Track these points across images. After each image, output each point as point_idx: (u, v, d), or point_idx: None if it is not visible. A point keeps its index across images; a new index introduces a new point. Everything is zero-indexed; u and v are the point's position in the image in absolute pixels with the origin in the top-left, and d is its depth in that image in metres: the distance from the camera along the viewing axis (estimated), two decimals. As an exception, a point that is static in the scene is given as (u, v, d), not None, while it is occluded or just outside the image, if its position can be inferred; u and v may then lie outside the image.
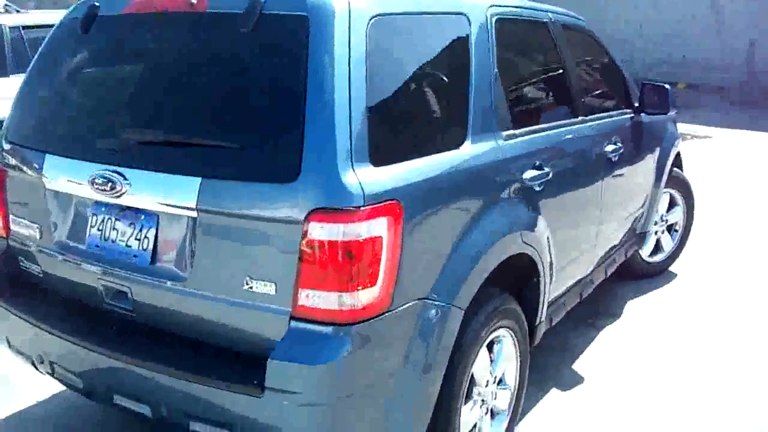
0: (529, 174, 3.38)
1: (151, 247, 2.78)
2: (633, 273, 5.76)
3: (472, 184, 3.02)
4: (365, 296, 2.47)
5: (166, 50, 2.92)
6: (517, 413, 3.57)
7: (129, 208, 2.83)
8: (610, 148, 4.36)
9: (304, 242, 2.44)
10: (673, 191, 5.88)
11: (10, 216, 3.30)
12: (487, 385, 3.26)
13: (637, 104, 4.95)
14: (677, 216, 6.00)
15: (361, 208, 2.43)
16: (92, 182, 2.82)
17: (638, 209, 5.15)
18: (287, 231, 2.47)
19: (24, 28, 7.72)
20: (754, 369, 4.43)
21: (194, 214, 2.62)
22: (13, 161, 3.25)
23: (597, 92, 4.64)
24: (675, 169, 5.75)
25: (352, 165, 2.46)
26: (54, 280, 3.17)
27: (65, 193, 3.02)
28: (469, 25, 3.23)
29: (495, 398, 3.37)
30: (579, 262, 4.25)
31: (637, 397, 4.10)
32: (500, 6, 3.53)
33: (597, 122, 4.32)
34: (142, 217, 2.81)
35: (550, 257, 3.62)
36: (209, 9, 2.78)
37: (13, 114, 3.34)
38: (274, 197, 2.47)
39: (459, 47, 3.17)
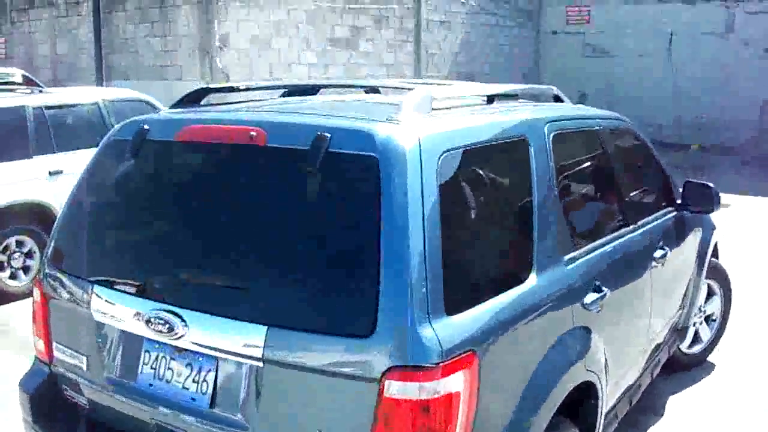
0: (590, 298, 3.28)
1: (210, 391, 2.66)
2: (671, 366, 5.62)
3: (539, 319, 2.91)
4: None
5: (225, 184, 2.82)
6: None
7: (186, 349, 2.72)
8: (658, 254, 4.26)
9: (379, 400, 2.32)
10: (711, 281, 5.76)
11: (54, 343, 3.18)
12: None
13: (679, 201, 4.86)
14: (715, 306, 5.88)
15: (440, 365, 2.32)
16: (147, 322, 2.72)
17: (681, 305, 5.03)
18: (361, 386, 2.36)
19: (47, 108, 7.67)
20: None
21: (259, 363, 2.51)
22: (57, 288, 3.14)
23: (644, 194, 4.55)
24: (712, 258, 5.65)
25: (429, 318, 2.36)
26: (101, 412, 3.04)
27: (115, 328, 2.91)
28: (530, 146, 3.15)
29: None
30: (630, 371, 4.12)
31: None
32: (556, 120, 3.46)
33: (646, 227, 4.23)
34: (201, 359, 2.69)
35: (607, 375, 3.50)
36: (269, 143, 2.69)
37: (57, 238, 3.24)
38: (348, 352, 2.37)
39: (521, 172, 3.09)
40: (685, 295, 5.10)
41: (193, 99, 3.40)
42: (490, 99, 3.38)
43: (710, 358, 5.87)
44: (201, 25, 11.87)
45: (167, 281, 2.81)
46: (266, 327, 2.48)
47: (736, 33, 16.81)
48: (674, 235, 4.70)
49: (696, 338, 5.79)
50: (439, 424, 2.34)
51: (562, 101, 4.05)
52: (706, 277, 5.62)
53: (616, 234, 3.83)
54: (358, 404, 2.38)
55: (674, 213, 4.80)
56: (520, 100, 3.82)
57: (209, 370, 2.67)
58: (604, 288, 3.39)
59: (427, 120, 2.75)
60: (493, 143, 2.95)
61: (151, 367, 2.82)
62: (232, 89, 3.57)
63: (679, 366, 5.66)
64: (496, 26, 18.18)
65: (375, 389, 2.33)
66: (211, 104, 3.47)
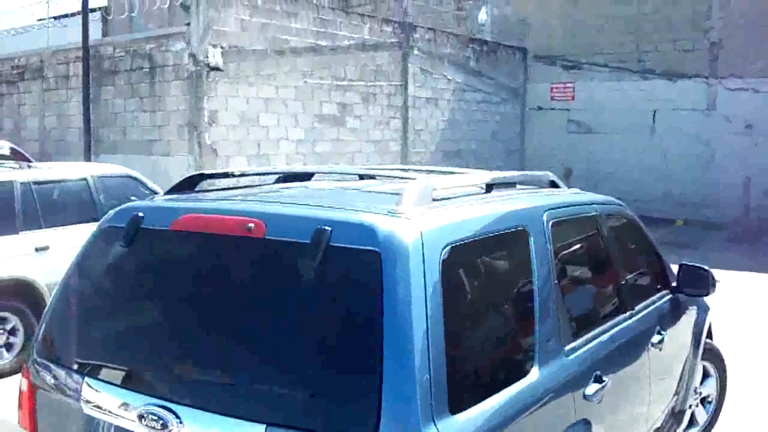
0: (591, 389, 3.21)
1: None
2: (670, 450, 5.51)
3: (542, 415, 2.84)
4: None
5: (222, 275, 2.77)
6: None
7: None
8: (656, 339, 4.22)
9: None
10: (706, 363, 5.70)
11: (41, 436, 3.07)
12: None
13: (674, 284, 4.84)
14: (711, 388, 5.81)
15: None
16: (140, 417, 2.62)
17: (678, 388, 4.96)
18: None
19: (35, 183, 7.63)
20: None
21: None
22: (46, 378, 3.04)
23: (640, 278, 4.53)
24: (707, 340, 5.60)
25: (434, 418, 2.29)
26: None
27: (106, 422, 2.80)
28: (529, 237, 3.12)
29: None
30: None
31: None
32: (554, 208, 3.44)
33: (644, 312, 4.19)
34: None
35: (608, 469, 3.42)
36: (268, 235, 2.65)
37: (47, 325, 3.15)
38: None
39: (521, 263, 3.05)
40: (681, 377, 5.03)
41: (187, 185, 3.36)
42: (489, 187, 3.37)
43: (707, 441, 5.77)
44: (190, 101, 11.92)
45: (161, 375, 2.73)
46: (265, 426, 2.39)
47: (718, 109, 17.11)
48: (670, 318, 4.66)
49: (692, 421, 5.70)
50: None
51: (558, 186, 4.04)
52: (702, 359, 5.56)
53: (614, 321, 3.78)
54: None
55: (669, 296, 4.77)
56: (518, 188, 3.81)
57: (204, 469, 2.57)
58: (604, 378, 3.33)
59: (429, 212, 2.71)
60: (493, 234, 2.92)
61: (144, 465, 2.71)
62: (226, 175, 3.54)
63: (677, 450, 5.56)
64: (482, 102, 18.42)
65: None
66: (207, 190, 3.44)
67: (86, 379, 2.85)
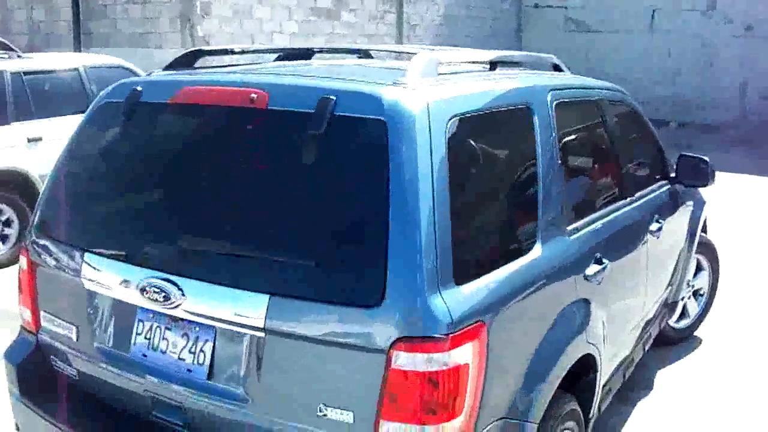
0: (592, 270, 3.23)
1: (207, 362, 2.58)
2: (659, 340, 5.60)
3: (545, 290, 2.85)
4: (451, 427, 2.30)
5: (224, 148, 2.72)
6: None
7: (182, 319, 2.63)
8: (654, 227, 4.22)
9: (387, 371, 2.26)
10: (699, 256, 5.75)
11: (41, 312, 3.08)
12: None
13: (673, 175, 4.82)
14: (703, 281, 5.87)
15: (449, 336, 2.26)
16: (142, 290, 2.62)
17: (672, 279, 5.01)
18: (368, 359, 2.28)
19: (26, 73, 7.48)
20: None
21: (260, 333, 2.43)
22: (45, 256, 3.03)
23: (641, 167, 4.50)
24: (701, 233, 5.63)
25: (439, 287, 2.29)
26: (91, 384, 2.95)
27: (107, 296, 2.81)
28: (533, 115, 3.07)
29: None
30: (625, 345, 4.10)
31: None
32: (559, 89, 3.38)
33: (644, 200, 4.18)
34: (197, 329, 2.61)
35: (605, 349, 3.46)
36: (271, 106, 2.59)
37: (45, 204, 3.12)
38: (355, 322, 2.29)
39: (525, 140, 3.01)
40: (675, 269, 5.07)
41: (185, 62, 3.28)
42: (493, 65, 3.29)
43: (697, 333, 5.87)
44: (183, -8, 11.64)
45: (163, 249, 2.71)
46: (268, 296, 2.39)
47: (719, 10, 16.79)
48: (668, 209, 4.66)
49: (683, 313, 5.79)
50: (447, 397, 2.28)
51: (561, 70, 3.97)
52: (695, 252, 5.60)
53: (615, 206, 3.78)
54: (363, 376, 2.31)
55: (668, 186, 4.76)
56: (522, 68, 3.73)
57: (206, 341, 2.59)
58: (604, 260, 3.35)
59: (435, 84, 2.66)
60: (498, 110, 2.87)
61: (145, 338, 2.73)
62: (226, 52, 3.46)
63: (666, 341, 5.65)
64: (479, -1, 18.05)
65: (382, 360, 2.26)
66: (205, 67, 3.36)
67: (86, 255, 2.83)
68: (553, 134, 3.16)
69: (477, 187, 2.68)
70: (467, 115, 2.63)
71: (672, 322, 5.66)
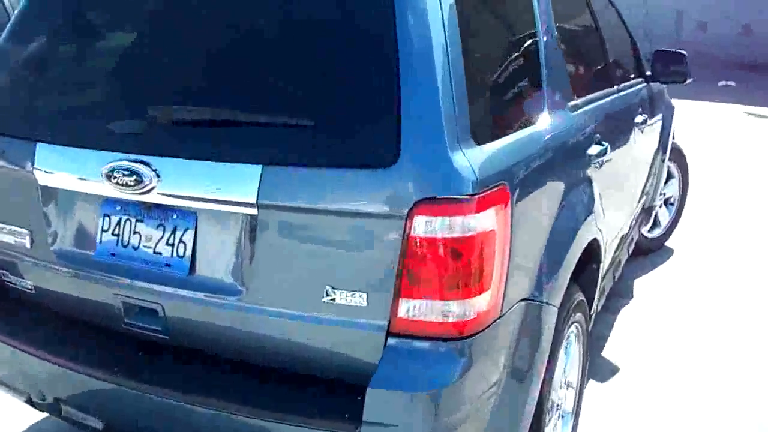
0: (593, 150, 2.98)
1: (189, 253, 2.24)
2: (633, 250, 5.46)
3: (556, 161, 2.59)
4: (478, 303, 2.02)
5: (194, 2, 2.35)
6: (578, 414, 3.18)
7: (155, 205, 2.28)
8: (639, 119, 4.02)
9: (406, 241, 1.95)
10: (670, 163, 5.59)
11: (-13, 219, 2.69)
12: (560, 388, 2.86)
13: (649, 72, 4.60)
14: (674, 189, 5.73)
15: (476, 197, 1.96)
16: (109, 176, 2.25)
17: (648, 184, 4.83)
18: (383, 228, 1.98)
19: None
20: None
21: (253, 211, 2.09)
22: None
23: (623, 59, 4.27)
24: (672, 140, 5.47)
25: (460, 142, 2.00)
26: (51, 298, 2.59)
27: (65, 190, 2.43)
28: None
29: (564, 400, 2.97)
30: (617, 240, 3.89)
31: (672, 381, 3.83)
32: None
33: (629, 90, 3.96)
34: (174, 216, 2.26)
35: (605, 238, 3.25)
36: None
37: None
38: (366, 186, 1.97)
39: (526, 8, 2.72)
40: (650, 174, 4.89)
41: None
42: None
43: (668, 243, 5.76)
44: None
45: (130, 125, 2.32)
46: (260, 166, 2.06)
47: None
48: (646, 107, 4.45)
49: (655, 222, 5.65)
50: (474, 268, 1.99)
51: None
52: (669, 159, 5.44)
53: (606, 91, 3.53)
54: (377, 250, 2.00)
55: (644, 84, 4.55)
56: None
57: (187, 229, 2.25)
58: (604, 143, 3.10)
59: None
60: None
61: (113, 234, 2.37)
62: None
63: (639, 250, 5.51)
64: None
65: (399, 229, 1.95)
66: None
67: (38, 146, 2.44)
68: (550, 7, 2.88)
69: (486, 40, 2.38)
70: None
71: (645, 231, 5.52)
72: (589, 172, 2.94)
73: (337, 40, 2.09)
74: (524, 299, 2.27)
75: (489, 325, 2.07)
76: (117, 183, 2.24)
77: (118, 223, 2.36)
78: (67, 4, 2.57)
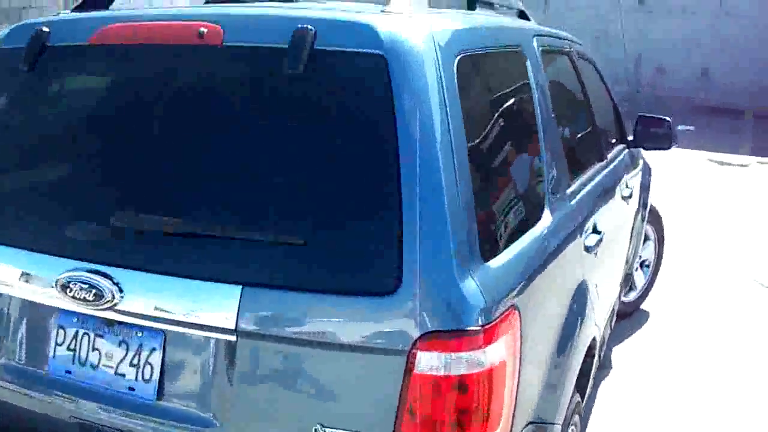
0: (592, 240, 2.79)
1: (156, 377, 1.98)
2: (610, 316, 5.29)
3: (559, 265, 2.39)
4: None
5: (168, 98, 2.11)
6: None
7: (119, 322, 2.02)
8: (626, 192, 3.85)
9: (408, 378, 1.72)
10: (647, 225, 5.46)
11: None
12: None
13: (630, 138, 4.45)
14: (649, 251, 5.59)
15: (485, 327, 1.74)
16: (64, 288, 1.99)
17: (631, 250, 4.67)
18: (381, 362, 1.74)
19: None
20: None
21: (231, 337, 1.85)
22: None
23: (608, 127, 4.11)
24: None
25: (467, 263, 1.78)
26: None
27: (14, 298, 2.16)
28: (526, 60, 2.60)
29: None
30: (604, 323, 3.70)
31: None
32: (540, 35, 2.92)
33: (615, 163, 3.80)
34: (140, 334, 2.00)
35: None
36: (227, 42, 2.00)
37: None
38: (362, 316, 1.74)
39: (523, 90, 2.53)
40: (631, 239, 4.74)
41: (100, 2, 2.60)
42: (471, 3, 2.79)
43: (643, 306, 5.61)
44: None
45: (91, 231, 2.05)
46: (240, 287, 1.82)
47: (612, -16, 16.86)
48: (630, 175, 4.30)
49: (631, 285, 5.50)
50: (483, 405, 1.76)
51: (528, 19, 3.51)
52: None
53: (596, 167, 3.36)
54: (374, 386, 1.76)
55: (626, 150, 4.40)
56: (496, 9, 3.22)
57: (153, 350, 1.98)
58: (599, 228, 2.92)
59: (430, 15, 2.13)
60: (496, 51, 2.38)
61: (68, 349, 2.10)
62: None
63: (616, 315, 5.35)
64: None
65: (400, 365, 1.72)
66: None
67: None
68: (546, 85, 2.70)
69: (489, 141, 2.17)
70: (472, 53, 2.12)
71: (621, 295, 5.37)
72: (587, 263, 2.75)
73: (333, 151, 1.86)
74: (530, 423, 2.05)
75: (498, 464, 1.84)
76: (73, 296, 1.97)
77: (75, 336, 2.09)
78: (32, 98, 2.31)
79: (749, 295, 5.97)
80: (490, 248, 1.90)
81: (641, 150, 5.09)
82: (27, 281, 2.09)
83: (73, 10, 2.55)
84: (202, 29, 1.99)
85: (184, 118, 2.06)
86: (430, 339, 1.70)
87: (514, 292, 1.91)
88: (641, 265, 5.55)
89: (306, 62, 1.86)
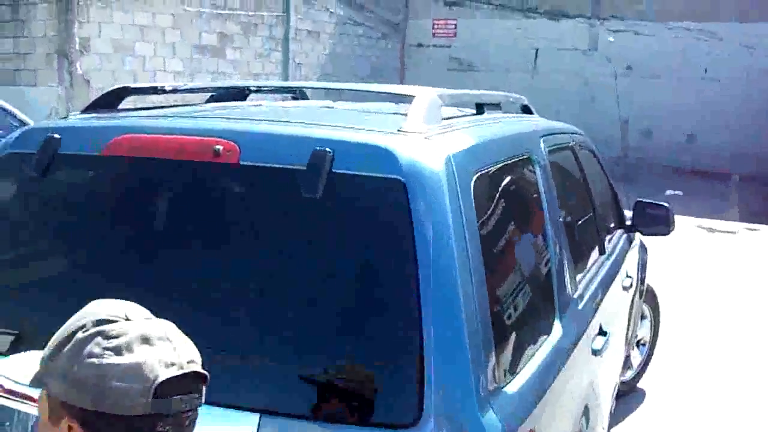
0: (599, 343, 2.78)
1: None
2: (607, 396, 5.26)
3: (571, 378, 2.37)
4: None
5: (178, 218, 2.10)
6: None
7: None
8: (627, 282, 3.86)
9: None
10: (643, 304, 5.46)
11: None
12: None
13: (629, 222, 4.48)
14: (645, 330, 5.59)
15: None
16: None
17: (630, 333, 4.66)
18: None
19: None
20: None
21: None
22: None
23: (607, 214, 4.13)
24: (643, 280, 5.35)
25: (487, 392, 1.76)
26: None
27: (19, 411, 2.12)
28: (535, 167, 2.62)
29: None
30: (606, 417, 3.67)
31: None
32: (546, 134, 2.95)
33: (615, 253, 3.81)
34: None
35: None
36: (243, 161, 2.00)
37: None
38: None
39: (533, 199, 2.55)
40: (629, 321, 4.73)
41: (108, 102, 2.61)
42: (480, 108, 2.81)
43: (639, 384, 5.58)
44: (59, 26, 10.70)
45: None
46: (258, 415, 1.79)
47: (600, 50, 17.14)
48: (628, 260, 4.31)
49: (627, 364, 5.47)
50: None
51: (531, 113, 3.54)
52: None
53: (599, 262, 3.36)
54: None
55: (625, 235, 4.42)
56: (502, 107, 3.25)
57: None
58: (605, 329, 2.91)
59: (445, 133, 2.15)
60: (507, 163, 2.39)
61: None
62: (155, 90, 2.81)
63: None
64: (363, 37, 17.78)
65: None
66: (131, 109, 2.71)
67: None
68: (553, 188, 2.72)
69: (503, 258, 2.17)
70: (487, 170, 2.13)
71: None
72: (594, 366, 2.74)
73: (351, 276, 1.86)
74: None
75: None
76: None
77: None
78: (43, 205, 2.30)
79: (748, 367, 5.96)
80: (506, 372, 1.89)
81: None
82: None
83: (82, 111, 2.56)
84: (217, 147, 1.98)
85: (196, 239, 2.04)
86: None
87: (532, 416, 1.89)
88: (637, 344, 5.54)
89: (324, 185, 1.86)
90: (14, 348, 2.03)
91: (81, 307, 2.00)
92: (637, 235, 5.12)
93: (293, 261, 1.91)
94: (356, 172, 1.88)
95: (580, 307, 2.69)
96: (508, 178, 2.35)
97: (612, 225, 4.23)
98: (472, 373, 1.73)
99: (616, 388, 4.17)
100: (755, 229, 11.36)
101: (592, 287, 2.98)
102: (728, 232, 11.21)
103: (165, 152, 2.07)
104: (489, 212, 2.09)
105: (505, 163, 2.33)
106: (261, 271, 1.95)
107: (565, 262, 2.60)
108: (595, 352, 2.72)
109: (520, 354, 2.04)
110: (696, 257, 9.57)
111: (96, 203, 2.24)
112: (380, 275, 1.83)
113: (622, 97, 16.59)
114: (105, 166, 2.19)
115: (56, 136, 2.22)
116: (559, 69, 17.43)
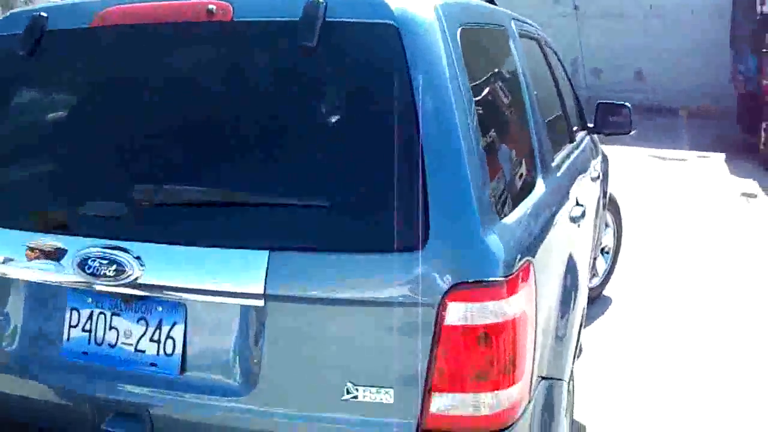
0: (576, 212, 2.89)
1: (179, 351, 2.00)
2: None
3: (558, 226, 2.49)
4: (514, 392, 1.86)
5: (177, 79, 2.14)
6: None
7: (136, 297, 2.02)
8: (594, 174, 3.99)
9: (439, 330, 1.78)
10: (606, 212, 5.62)
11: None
12: None
13: (591, 124, 4.60)
14: (609, 238, 5.75)
15: (507, 279, 1.82)
16: (81, 266, 2.00)
17: (597, 234, 4.81)
18: (411, 317, 1.79)
19: None
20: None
21: (259, 302, 1.88)
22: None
23: (573, 112, 4.25)
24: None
25: (488, 219, 1.85)
26: (12, 406, 2.25)
27: (23, 282, 2.15)
28: (509, 40, 2.70)
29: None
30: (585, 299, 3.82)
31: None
32: (515, 20, 3.03)
33: (583, 145, 3.93)
34: (159, 308, 2.02)
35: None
36: (237, 17, 2.04)
37: None
38: (391, 272, 1.79)
39: (509, 66, 2.64)
40: (595, 227, 4.88)
41: None
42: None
43: (605, 292, 5.76)
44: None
45: (106, 206, 2.05)
46: (267, 252, 1.85)
47: (547, -9, 17.25)
48: (594, 158, 4.44)
49: (593, 272, 5.64)
50: (506, 358, 1.83)
51: (494, 4, 3.61)
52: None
53: (569, 147, 3.47)
54: (405, 341, 1.81)
55: (588, 137, 4.54)
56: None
57: (174, 323, 2.00)
58: (581, 202, 3.03)
59: None
60: (487, 28, 2.48)
61: (83, 330, 2.09)
62: None
63: (581, 301, 5.48)
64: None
65: (430, 317, 1.78)
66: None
67: None
68: (525, 64, 2.80)
69: (489, 111, 2.25)
70: (470, 26, 2.21)
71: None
72: (573, 233, 2.85)
73: (354, 116, 1.94)
74: (543, 378, 2.13)
75: (523, 413, 1.91)
76: (92, 273, 1.98)
77: (90, 317, 2.09)
78: (35, 82, 2.31)
79: (702, 277, 6.19)
80: (502, 208, 1.98)
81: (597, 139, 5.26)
82: (41, 262, 2.08)
83: None
84: (210, 6, 2.02)
85: (199, 93, 2.09)
86: (460, 290, 1.76)
87: (528, 248, 1.99)
88: (601, 251, 5.70)
89: (318, 35, 1.92)
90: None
91: (82, 183, 2.04)
92: (599, 145, 5.28)
93: (296, 105, 1.98)
94: (350, 19, 1.94)
95: (558, 175, 2.79)
96: (487, 40, 2.43)
97: (577, 124, 4.34)
98: (474, 200, 1.81)
99: (588, 281, 4.32)
100: (705, 156, 11.67)
101: (566, 164, 3.09)
102: (680, 159, 11.49)
103: (157, 17, 2.10)
104: (473, 64, 2.16)
105: (485, 26, 2.41)
106: (265, 116, 2.01)
107: (541, 130, 2.69)
108: (573, 219, 2.83)
109: (511, 196, 2.13)
110: (651, 181, 9.81)
111: (93, 73, 2.26)
112: (382, 113, 1.89)
113: (571, 36, 16.75)
114: (96, 37, 2.20)
115: (43, 14, 2.24)
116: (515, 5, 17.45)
